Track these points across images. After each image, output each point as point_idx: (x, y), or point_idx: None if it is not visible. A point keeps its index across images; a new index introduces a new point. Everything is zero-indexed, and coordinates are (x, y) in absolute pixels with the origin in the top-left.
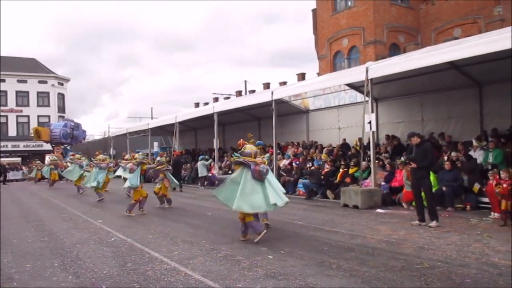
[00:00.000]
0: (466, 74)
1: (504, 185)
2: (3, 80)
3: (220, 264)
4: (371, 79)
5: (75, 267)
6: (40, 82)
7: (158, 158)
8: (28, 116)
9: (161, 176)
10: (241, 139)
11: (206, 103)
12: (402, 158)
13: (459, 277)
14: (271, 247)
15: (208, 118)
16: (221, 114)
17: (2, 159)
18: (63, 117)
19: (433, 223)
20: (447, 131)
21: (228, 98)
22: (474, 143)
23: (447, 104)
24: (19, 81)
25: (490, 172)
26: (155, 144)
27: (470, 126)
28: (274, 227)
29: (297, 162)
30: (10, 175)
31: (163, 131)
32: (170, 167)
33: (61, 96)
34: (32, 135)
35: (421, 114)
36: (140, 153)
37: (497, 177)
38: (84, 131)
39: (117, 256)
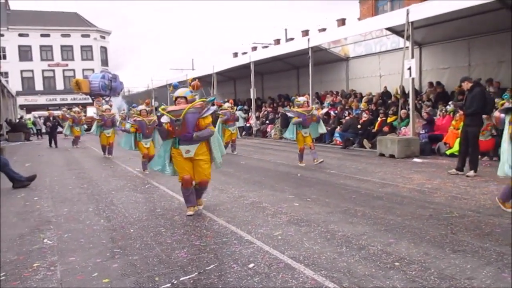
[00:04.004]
0: None
1: None
2: (48, 35)
3: (245, 211)
4: (412, 22)
5: (108, 212)
6: (83, 36)
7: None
8: (73, 70)
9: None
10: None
11: (245, 53)
12: (449, 107)
13: (489, 227)
14: (299, 195)
15: (247, 68)
16: (259, 63)
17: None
18: (108, 71)
19: (471, 173)
20: (496, 76)
21: (266, 47)
22: None
23: (496, 48)
24: (63, 35)
25: None
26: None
27: None
28: (303, 175)
29: (335, 112)
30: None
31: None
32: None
33: (104, 49)
34: (73, 87)
35: (468, 59)
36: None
37: None
38: (121, 83)
39: (149, 202)
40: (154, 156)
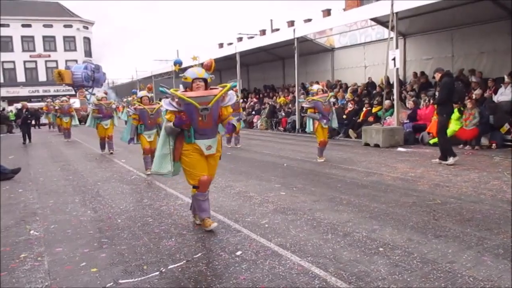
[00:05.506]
0: (500, 5)
1: None
2: (30, 26)
3: (232, 200)
4: (397, 13)
5: (95, 203)
6: (65, 26)
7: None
8: (56, 61)
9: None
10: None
11: (230, 44)
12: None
13: (470, 213)
14: (285, 184)
15: (232, 59)
16: (244, 54)
17: (34, 104)
18: (90, 61)
19: (450, 160)
20: (478, 67)
21: (252, 37)
22: (506, 79)
23: (479, 39)
24: (45, 25)
25: None
26: (181, 86)
27: (503, 62)
28: (290, 165)
29: None
30: (42, 119)
31: None
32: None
33: (87, 40)
34: (55, 78)
35: (451, 50)
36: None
37: None
38: (104, 74)
39: (135, 192)
40: (156, 157)
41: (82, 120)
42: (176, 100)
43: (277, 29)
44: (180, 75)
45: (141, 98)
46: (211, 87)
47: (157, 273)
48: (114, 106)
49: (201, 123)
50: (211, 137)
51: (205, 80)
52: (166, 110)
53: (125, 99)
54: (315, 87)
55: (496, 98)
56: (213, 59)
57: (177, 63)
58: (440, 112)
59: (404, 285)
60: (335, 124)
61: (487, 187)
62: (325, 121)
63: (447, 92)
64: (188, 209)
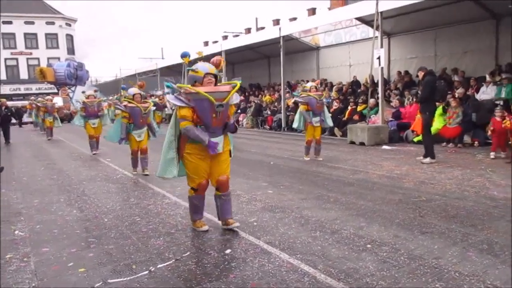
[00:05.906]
0: (482, 5)
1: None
2: (10, 22)
3: None
4: (381, 12)
5: (80, 202)
6: (47, 23)
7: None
8: (38, 59)
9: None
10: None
11: (215, 42)
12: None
13: (455, 209)
14: (272, 182)
15: None
16: (230, 52)
17: (16, 102)
18: (73, 59)
19: (427, 160)
20: (461, 66)
21: (237, 36)
22: (488, 78)
23: (461, 38)
24: (26, 22)
25: (497, 108)
26: (166, 85)
27: (485, 61)
28: (276, 163)
29: None
30: (24, 118)
31: (173, 72)
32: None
33: (70, 37)
34: (37, 76)
35: (435, 49)
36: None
37: (505, 113)
38: (87, 71)
39: (122, 191)
40: (161, 163)
41: (65, 118)
42: (185, 95)
43: (263, 28)
44: (188, 68)
45: (133, 95)
46: (218, 84)
47: (146, 272)
48: (104, 104)
49: (214, 120)
50: (219, 135)
51: (215, 76)
52: (177, 106)
53: (111, 97)
54: (309, 84)
55: (478, 96)
56: (222, 58)
57: (186, 55)
58: (423, 110)
59: (392, 281)
60: (330, 123)
61: (470, 184)
62: (316, 119)
63: (429, 90)
64: (176, 208)
